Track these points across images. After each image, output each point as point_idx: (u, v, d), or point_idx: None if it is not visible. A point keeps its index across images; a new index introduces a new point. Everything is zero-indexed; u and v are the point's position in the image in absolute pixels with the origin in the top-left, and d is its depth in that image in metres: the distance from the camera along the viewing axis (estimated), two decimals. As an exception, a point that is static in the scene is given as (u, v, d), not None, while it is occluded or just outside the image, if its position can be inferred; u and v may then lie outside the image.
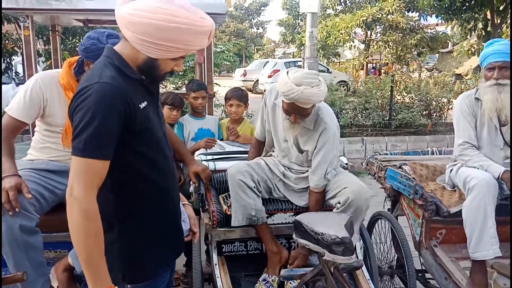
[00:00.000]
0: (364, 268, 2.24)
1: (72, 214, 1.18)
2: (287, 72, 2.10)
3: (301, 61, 12.29)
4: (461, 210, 2.23)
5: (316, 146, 2.21)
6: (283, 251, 2.31)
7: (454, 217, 2.29)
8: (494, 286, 2.11)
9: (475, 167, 2.28)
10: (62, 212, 2.09)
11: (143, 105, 1.29)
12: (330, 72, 16.79)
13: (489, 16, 9.72)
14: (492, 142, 2.37)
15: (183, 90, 6.79)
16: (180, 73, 7.38)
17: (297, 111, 2.11)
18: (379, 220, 2.82)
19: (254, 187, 2.23)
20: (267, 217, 2.30)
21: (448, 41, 17.77)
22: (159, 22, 1.19)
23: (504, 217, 2.30)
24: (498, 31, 9.53)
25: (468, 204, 2.17)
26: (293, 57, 24.86)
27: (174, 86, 7.42)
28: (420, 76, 12.86)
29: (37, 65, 3.93)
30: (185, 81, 7.41)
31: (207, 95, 3.18)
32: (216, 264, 2.26)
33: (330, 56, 20.87)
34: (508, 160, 2.35)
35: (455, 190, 2.43)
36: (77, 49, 2.06)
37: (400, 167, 2.71)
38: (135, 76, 1.30)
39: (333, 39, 17.22)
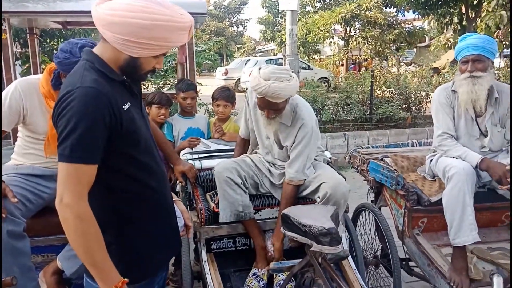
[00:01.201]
0: (350, 258, 2.29)
1: (67, 221, 1.17)
2: (259, 68, 2.16)
3: (282, 58, 12.35)
4: (441, 198, 2.31)
5: (295, 141, 2.26)
6: (270, 245, 2.34)
7: (435, 206, 2.37)
8: (474, 270, 2.19)
9: (453, 157, 2.36)
10: (47, 216, 2.11)
11: (126, 106, 1.29)
12: (311, 69, 16.93)
13: (464, 11, 9.97)
14: (469, 132, 2.45)
15: (165, 90, 6.78)
16: (162, 73, 7.34)
17: (268, 106, 2.16)
18: (363, 212, 2.89)
19: (241, 183, 2.27)
20: (255, 213, 2.34)
21: (425, 35, 18.13)
22: (140, 21, 1.19)
23: (482, 204, 2.40)
24: (473, 24, 9.78)
25: (447, 192, 2.25)
26: (274, 55, 24.93)
27: (156, 86, 7.38)
28: (399, 71, 13.08)
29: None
30: (167, 81, 7.38)
31: (196, 95, 3.18)
32: (205, 261, 2.28)
33: (311, 53, 21.01)
34: (484, 149, 2.44)
35: (435, 180, 2.51)
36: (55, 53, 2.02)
37: (382, 159, 2.78)
38: (117, 77, 1.30)
39: (313, 36, 17.35)
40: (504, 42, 9.96)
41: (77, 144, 1.17)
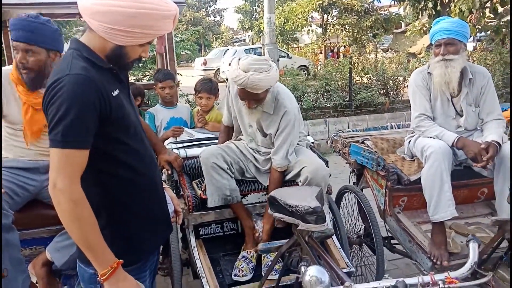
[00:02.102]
0: (335, 238, 2.38)
1: (60, 205, 1.19)
2: (239, 59, 2.19)
3: (261, 47, 12.32)
4: (420, 177, 2.40)
5: (278, 128, 2.31)
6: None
7: (414, 185, 2.46)
8: (452, 244, 2.29)
9: (431, 137, 2.45)
10: (34, 209, 2.11)
11: (115, 93, 1.31)
12: (290, 57, 16.94)
13: (437, -4, 10.13)
14: (445, 112, 2.54)
15: (144, 81, 6.71)
16: (140, 65, 7.25)
17: (249, 97, 2.19)
18: (346, 194, 2.97)
19: (227, 168, 2.31)
20: (241, 198, 2.39)
21: (401, 21, 18.31)
22: (126, 9, 1.21)
23: (458, 181, 2.50)
24: (447, 9, 9.97)
25: (425, 171, 2.34)
26: (253, 44, 24.84)
27: (134, 78, 7.30)
28: (376, 57, 13.26)
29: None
30: (146, 72, 7.30)
31: (174, 85, 3.18)
32: (194, 247, 2.32)
33: (289, 42, 21.02)
34: (460, 129, 2.54)
35: (413, 160, 2.60)
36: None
37: (362, 142, 2.86)
38: (105, 65, 1.32)
39: (291, 24, 17.36)
40: (477, 26, 10.20)
41: (69, 130, 1.19)
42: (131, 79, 7.16)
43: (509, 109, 3.45)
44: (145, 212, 1.43)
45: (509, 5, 9.79)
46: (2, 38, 4.10)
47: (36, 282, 2.09)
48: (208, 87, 3.05)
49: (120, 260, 1.28)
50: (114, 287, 1.27)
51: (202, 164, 2.32)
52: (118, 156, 1.34)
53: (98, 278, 1.27)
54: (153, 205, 1.47)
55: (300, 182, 2.25)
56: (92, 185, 1.30)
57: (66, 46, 1.69)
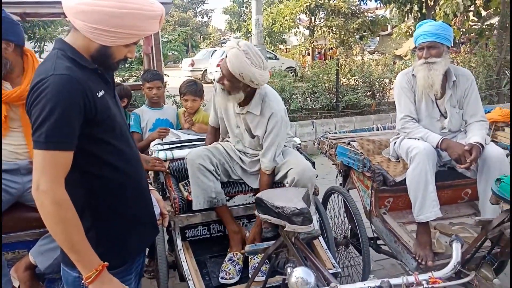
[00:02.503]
0: (321, 239, 2.39)
1: (44, 207, 1.18)
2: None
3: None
4: (405, 178, 2.43)
5: (266, 130, 2.31)
6: (243, 230, 2.41)
7: (399, 186, 2.48)
8: (437, 244, 2.32)
9: (415, 138, 2.48)
10: (17, 212, 2.07)
11: (100, 93, 1.30)
12: (278, 59, 17.00)
13: (423, -1, 10.29)
14: (430, 114, 2.58)
15: (131, 82, 6.66)
16: (127, 65, 7.20)
17: (224, 73, 2.18)
18: (332, 195, 2.99)
19: (214, 170, 2.30)
20: (228, 200, 2.38)
21: (387, 24, 18.54)
22: (111, 9, 1.20)
23: (443, 182, 2.54)
24: (432, 12, 10.13)
25: (410, 172, 2.37)
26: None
27: (121, 78, 7.24)
28: (363, 59, 13.38)
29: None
30: (132, 73, 7.25)
31: (162, 86, 3.15)
32: (181, 249, 2.30)
33: (277, 43, 21.10)
34: (444, 130, 2.58)
35: (399, 161, 2.63)
36: None
37: (349, 143, 2.88)
38: (90, 65, 1.30)
39: (279, 26, 17.42)
40: (461, 30, 10.39)
41: (53, 131, 1.17)
42: (117, 80, 7.10)
43: (492, 111, 3.50)
44: (130, 214, 1.42)
45: (491, 9, 10.00)
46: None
47: (19, 287, 2.05)
48: (193, 89, 3.02)
49: (105, 263, 1.26)
50: None
51: (188, 166, 2.30)
52: (103, 157, 1.32)
53: (82, 281, 1.25)
54: (139, 207, 1.45)
55: (287, 183, 2.25)
56: (76, 186, 1.28)
57: (51, 46, 1.67)
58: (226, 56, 2.15)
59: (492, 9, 10.01)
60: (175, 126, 3.14)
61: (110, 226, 1.36)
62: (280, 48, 22.14)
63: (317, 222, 2.55)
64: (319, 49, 20.16)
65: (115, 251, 1.37)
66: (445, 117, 2.58)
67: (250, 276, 2.13)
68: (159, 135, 2.87)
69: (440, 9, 9.46)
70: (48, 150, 1.18)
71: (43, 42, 10.44)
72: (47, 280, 2.13)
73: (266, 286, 1.99)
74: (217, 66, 15.47)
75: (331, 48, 18.76)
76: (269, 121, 2.29)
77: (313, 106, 7.63)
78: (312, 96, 7.74)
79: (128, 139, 1.42)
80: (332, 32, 17.09)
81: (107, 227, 1.36)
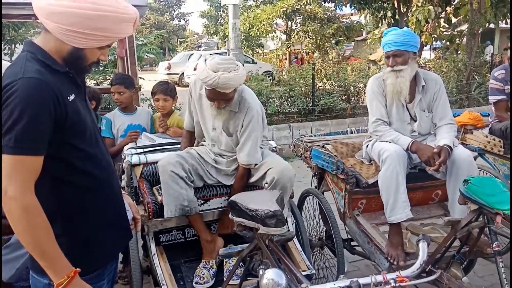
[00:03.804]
0: (296, 241, 2.41)
1: (12, 213, 1.15)
2: (205, 60, 2.20)
3: (226, 52, 12.32)
4: (377, 180, 2.47)
5: (242, 125, 2.32)
6: (217, 238, 2.39)
7: (372, 188, 2.52)
8: (408, 244, 2.37)
9: (387, 141, 2.54)
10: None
11: (71, 97, 1.27)
12: (255, 63, 17.07)
13: (396, 5, 10.56)
14: (400, 118, 2.64)
15: (105, 85, 6.56)
16: (101, 68, 7.09)
17: (219, 97, 2.19)
18: (308, 197, 3.02)
19: (186, 177, 2.26)
20: (203, 203, 2.37)
21: (362, 29, 18.92)
22: (84, 11, 1.18)
23: (414, 184, 2.60)
24: (405, 19, 10.39)
25: (382, 174, 2.41)
26: (218, 49, 24.83)
27: (94, 82, 7.12)
28: (339, 64, 13.59)
29: None
30: (106, 76, 7.14)
31: (128, 91, 3.01)
32: (154, 254, 2.28)
33: (254, 47, 21.20)
34: (414, 133, 2.64)
35: (371, 163, 2.68)
36: None
37: (323, 146, 2.91)
38: (61, 69, 1.27)
39: (256, 30, 17.52)
40: (433, 36, 10.69)
41: (22, 135, 1.14)
42: (91, 83, 6.98)
43: (461, 115, 3.62)
44: (102, 219, 1.39)
45: (461, 16, 10.33)
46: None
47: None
48: (164, 88, 3.00)
49: (77, 269, 1.24)
50: None
51: (159, 172, 2.27)
52: (73, 162, 1.30)
53: None
54: (111, 212, 1.43)
55: (266, 183, 2.25)
56: (46, 191, 1.25)
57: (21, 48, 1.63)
58: (214, 84, 2.11)
59: (461, 16, 10.35)
60: (148, 130, 3.08)
61: (81, 232, 1.34)
62: (258, 52, 22.24)
63: (292, 224, 2.57)
64: (296, 54, 20.37)
65: (86, 257, 1.35)
66: (415, 121, 2.64)
67: (224, 279, 2.12)
68: (130, 140, 2.83)
69: (412, 15, 9.72)
70: (17, 155, 1.15)
71: (13, 44, 10.18)
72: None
73: (241, 289, 2.00)
74: (194, 69, 15.43)
75: (308, 53, 18.99)
76: (246, 115, 2.30)
77: (290, 109, 7.70)
78: (289, 100, 7.80)
79: (98, 141, 1.40)
80: (308, 37, 17.33)
81: (78, 233, 1.33)
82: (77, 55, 1.28)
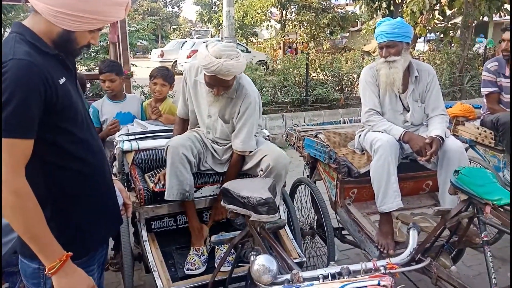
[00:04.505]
0: (287, 229, 2.42)
1: (2, 197, 1.13)
2: (207, 46, 2.16)
3: (219, 40, 12.21)
4: (369, 170, 2.49)
5: (239, 112, 2.31)
6: (204, 226, 2.40)
7: (363, 177, 2.54)
8: (398, 233, 2.40)
9: (379, 131, 2.55)
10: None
11: (62, 80, 1.25)
12: (249, 52, 16.96)
13: (391, -4, 10.52)
14: (393, 108, 2.65)
15: (96, 71, 6.48)
16: (92, 54, 7.00)
17: (219, 83, 2.17)
18: (300, 186, 3.03)
19: (194, 162, 2.26)
20: (196, 191, 2.36)
21: (357, 20, 18.82)
22: None
23: (405, 174, 2.62)
24: (400, 10, 10.37)
25: (374, 163, 2.43)
26: (211, 37, 24.62)
27: (86, 68, 7.03)
28: (333, 54, 13.55)
29: None
30: (98, 62, 7.04)
31: (118, 78, 2.94)
32: (146, 241, 2.28)
33: (249, 36, 21.05)
34: (407, 124, 2.65)
35: (363, 153, 2.69)
36: None
37: (316, 136, 2.92)
38: (51, 51, 1.25)
39: (250, 19, 17.37)
40: (427, 27, 10.68)
41: (12, 118, 1.12)
42: (83, 69, 6.89)
43: (453, 106, 3.64)
44: (93, 204, 1.39)
45: (456, 9, 10.34)
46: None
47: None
48: (164, 74, 2.99)
49: (69, 253, 1.23)
50: (63, 280, 1.22)
51: (168, 153, 2.22)
52: (64, 146, 1.28)
53: (45, 272, 1.22)
54: (101, 196, 1.42)
55: (261, 171, 2.25)
56: (37, 176, 1.24)
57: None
58: (216, 70, 2.08)
59: (456, 9, 10.35)
60: (139, 118, 3.03)
61: (72, 216, 1.33)
62: (252, 41, 22.09)
63: (284, 213, 2.58)
64: (290, 43, 20.27)
65: (77, 242, 1.34)
66: (408, 111, 2.65)
67: (216, 266, 2.13)
68: (109, 132, 2.78)
69: (407, 6, 9.68)
70: (6, 138, 1.13)
71: (2, 28, 9.99)
72: (6, 274, 2.06)
73: (232, 276, 2.01)
74: (188, 57, 15.31)
75: (302, 43, 18.91)
76: (243, 102, 2.29)
77: (283, 99, 7.67)
78: (283, 89, 7.78)
79: (89, 126, 1.39)
80: (303, 27, 17.21)
81: (69, 217, 1.33)
82: (67, 37, 1.25)
